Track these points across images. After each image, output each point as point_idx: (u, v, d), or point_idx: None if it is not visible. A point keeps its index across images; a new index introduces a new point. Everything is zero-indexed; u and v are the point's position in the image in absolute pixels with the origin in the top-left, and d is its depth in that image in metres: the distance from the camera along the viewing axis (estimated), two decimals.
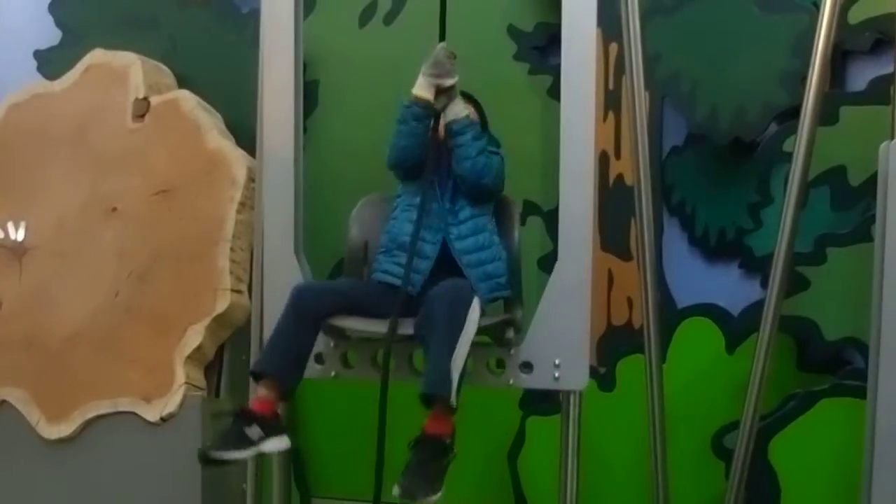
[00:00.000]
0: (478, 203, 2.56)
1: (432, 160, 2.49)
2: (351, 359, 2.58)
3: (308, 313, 2.35)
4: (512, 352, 2.46)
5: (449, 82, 2.46)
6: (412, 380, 2.48)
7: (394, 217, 2.60)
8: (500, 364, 2.49)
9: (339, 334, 2.54)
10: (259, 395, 2.32)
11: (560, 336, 2.43)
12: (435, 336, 2.22)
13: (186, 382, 3.05)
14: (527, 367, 2.47)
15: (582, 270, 2.43)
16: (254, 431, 2.25)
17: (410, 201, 2.56)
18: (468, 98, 2.63)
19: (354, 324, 2.42)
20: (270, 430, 2.29)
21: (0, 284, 3.35)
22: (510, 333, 2.45)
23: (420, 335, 2.28)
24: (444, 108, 2.48)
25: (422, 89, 2.47)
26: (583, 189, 2.44)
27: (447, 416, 2.24)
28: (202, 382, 3.10)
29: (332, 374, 2.58)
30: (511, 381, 2.49)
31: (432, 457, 2.22)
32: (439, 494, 2.17)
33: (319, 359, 2.56)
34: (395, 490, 2.15)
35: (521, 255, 2.70)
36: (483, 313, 2.32)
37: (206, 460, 2.21)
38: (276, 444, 2.32)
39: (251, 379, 2.34)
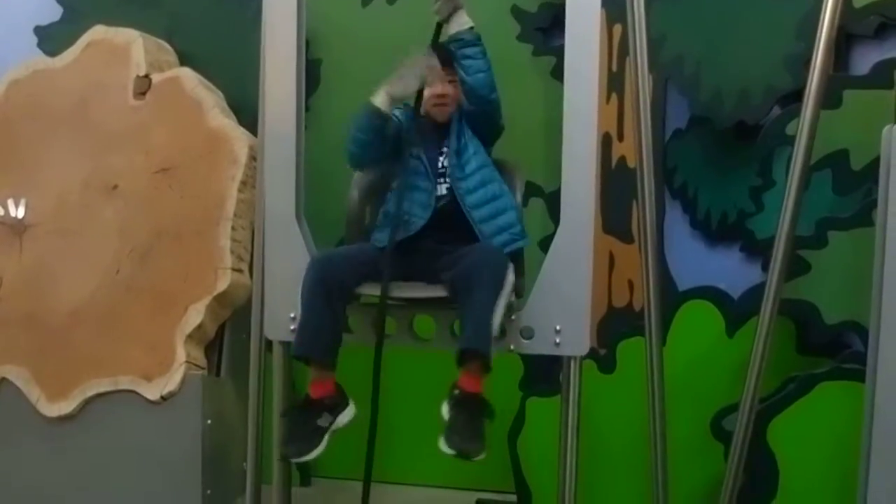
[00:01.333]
0: (483, 135, 2.56)
1: (418, 136, 2.50)
2: (352, 323, 2.55)
3: (335, 285, 2.34)
4: (513, 317, 2.45)
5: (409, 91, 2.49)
6: (412, 345, 2.52)
7: (391, 195, 2.59)
8: (501, 329, 2.47)
9: None
10: (314, 379, 2.35)
11: (561, 302, 2.42)
12: (478, 294, 2.21)
13: (187, 361, 3.04)
14: (527, 332, 2.46)
15: (584, 236, 2.43)
16: (325, 420, 2.31)
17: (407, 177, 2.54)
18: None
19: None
20: (337, 407, 2.36)
21: (0, 262, 3.34)
22: (512, 297, 2.42)
23: (456, 294, 2.29)
24: (446, 20, 2.46)
25: (377, 98, 2.46)
26: (585, 168, 2.42)
27: (482, 374, 2.25)
28: (202, 361, 3.10)
29: None
30: (512, 347, 2.48)
31: (476, 413, 2.24)
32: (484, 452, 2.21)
33: None
34: (446, 448, 2.16)
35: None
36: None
37: (287, 460, 2.29)
38: (347, 416, 2.39)
39: (297, 361, 2.37)
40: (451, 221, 2.46)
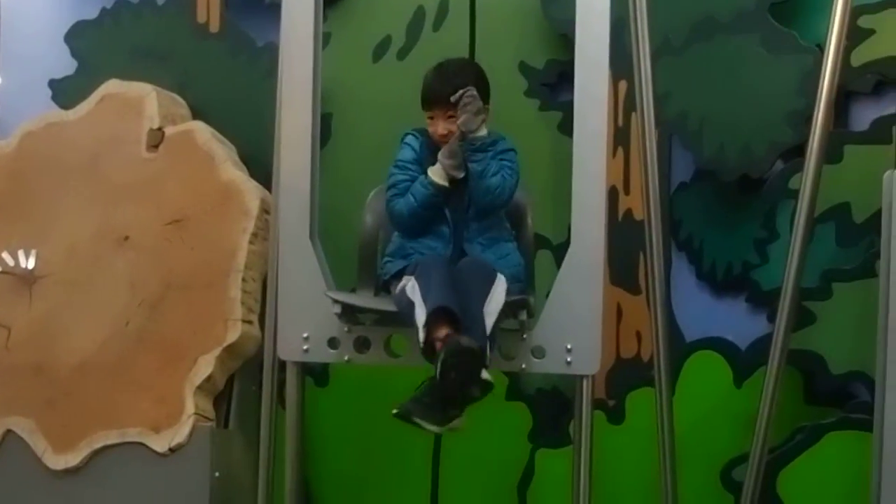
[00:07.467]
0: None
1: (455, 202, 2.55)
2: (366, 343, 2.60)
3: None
4: (524, 336, 2.49)
5: (461, 175, 2.51)
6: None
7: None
8: (512, 350, 2.52)
9: (353, 319, 2.58)
10: (440, 333, 2.21)
11: (572, 320, 2.46)
12: (473, 293, 2.27)
13: (196, 413, 3.04)
14: (539, 352, 2.50)
15: (594, 254, 2.49)
16: (454, 414, 2.26)
17: None
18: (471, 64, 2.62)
19: None
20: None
21: (9, 312, 3.34)
22: (523, 316, 2.46)
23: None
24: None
25: (437, 176, 2.53)
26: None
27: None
28: (211, 413, 3.10)
29: (346, 358, 2.60)
30: (523, 366, 2.51)
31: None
32: None
33: (333, 343, 2.59)
34: None
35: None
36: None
37: (405, 419, 2.23)
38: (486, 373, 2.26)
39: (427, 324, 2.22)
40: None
